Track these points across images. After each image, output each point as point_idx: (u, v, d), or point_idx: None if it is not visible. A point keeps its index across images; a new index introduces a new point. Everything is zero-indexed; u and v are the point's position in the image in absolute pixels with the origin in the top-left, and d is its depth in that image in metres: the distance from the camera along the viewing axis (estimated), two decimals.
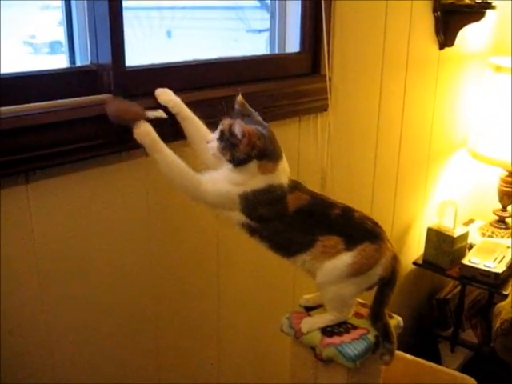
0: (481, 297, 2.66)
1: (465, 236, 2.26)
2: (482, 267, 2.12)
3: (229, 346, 1.51)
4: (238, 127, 1.03)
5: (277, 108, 1.46)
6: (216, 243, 1.40)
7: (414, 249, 2.36)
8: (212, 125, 1.11)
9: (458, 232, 2.22)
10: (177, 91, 1.15)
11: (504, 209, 2.49)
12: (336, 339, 1.13)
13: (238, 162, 1.05)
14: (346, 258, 1.09)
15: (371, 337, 1.15)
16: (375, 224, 1.14)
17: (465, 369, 2.19)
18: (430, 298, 2.56)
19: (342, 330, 1.15)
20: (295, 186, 1.12)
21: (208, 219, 1.32)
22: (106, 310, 1.20)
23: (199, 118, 1.14)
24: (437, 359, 2.33)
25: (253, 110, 1.12)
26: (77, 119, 1.03)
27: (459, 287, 2.43)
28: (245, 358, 1.59)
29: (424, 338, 2.54)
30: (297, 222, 1.10)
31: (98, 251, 1.15)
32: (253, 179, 1.07)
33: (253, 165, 1.06)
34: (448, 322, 2.51)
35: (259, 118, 1.12)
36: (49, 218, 1.06)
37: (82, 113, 1.04)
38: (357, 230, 1.12)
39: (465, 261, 2.17)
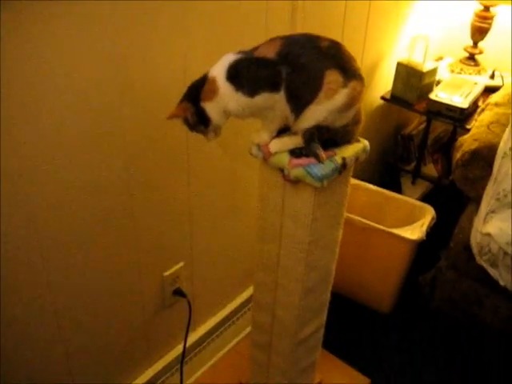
0: (444, 134, 2.72)
1: (434, 71, 2.25)
2: (448, 102, 2.14)
3: (198, 169, 1.52)
4: None
5: None
6: None
7: (383, 84, 2.35)
8: None
9: (427, 67, 2.20)
10: None
11: (475, 45, 2.46)
12: (304, 160, 1.15)
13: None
14: (340, 97, 1.08)
15: (338, 159, 1.17)
16: (358, 66, 1.13)
17: (423, 200, 2.29)
18: (396, 134, 2.62)
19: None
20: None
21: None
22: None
23: None
24: (398, 191, 2.43)
25: None
26: None
27: (424, 124, 2.48)
28: (214, 185, 1.62)
29: (387, 172, 2.63)
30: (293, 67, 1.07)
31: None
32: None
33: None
34: (411, 156, 2.59)
35: None
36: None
37: None
38: (348, 64, 1.10)
39: (432, 95, 2.18)
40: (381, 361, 1.99)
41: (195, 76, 1.12)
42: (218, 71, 1.09)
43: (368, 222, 1.97)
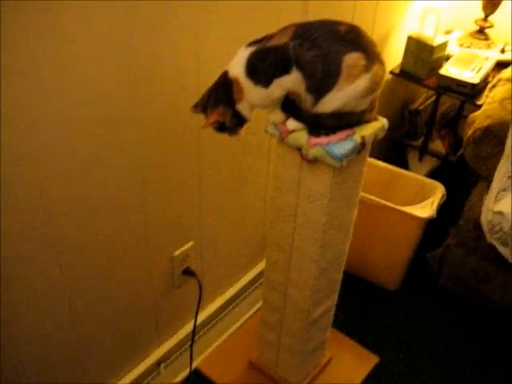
0: (450, 109, 2.68)
1: (444, 45, 2.21)
2: (459, 77, 2.10)
3: (208, 150, 1.49)
4: None
5: None
6: None
7: (392, 58, 2.30)
8: None
9: (437, 41, 2.16)
10: None
11: (485, 18, 2.41)
12: (323, 139, 1.12)
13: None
14: (363, 82, 1.06)
15: (357, 137, 1.15)
16: (379, 51, 1.10)
17: (430, 176, 2.26)
18: (403, 109, 2.57)
19: (329, 131, 1.13)
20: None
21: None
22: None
23: None
24: (405, 167, 2.40)
25: None
26: None
27: (432, 99, 2.44)
28: (224, 164, 1.59)
29: (393, 148, 2.60)
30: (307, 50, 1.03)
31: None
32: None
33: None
34: (418, 132, 2.55)
35: None
36: None
37: None
38: (369, 47, 1.07)
39: (442, 71, 2.14)
40: (389, 338, 1.98)
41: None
42: (238, 70, 1.06)
43: (378, 199, 1.94)
